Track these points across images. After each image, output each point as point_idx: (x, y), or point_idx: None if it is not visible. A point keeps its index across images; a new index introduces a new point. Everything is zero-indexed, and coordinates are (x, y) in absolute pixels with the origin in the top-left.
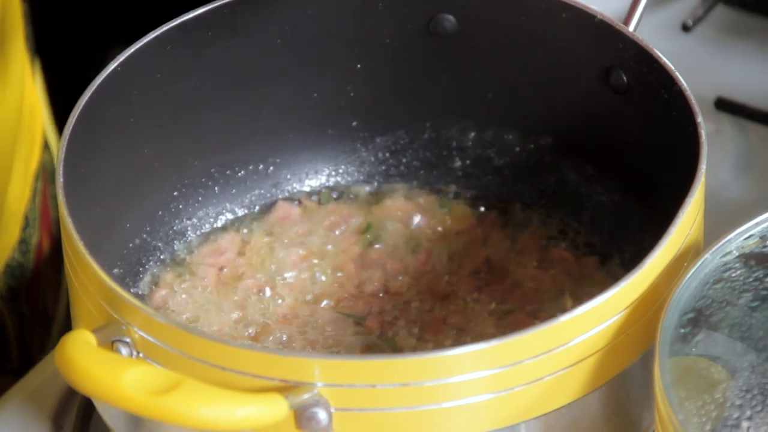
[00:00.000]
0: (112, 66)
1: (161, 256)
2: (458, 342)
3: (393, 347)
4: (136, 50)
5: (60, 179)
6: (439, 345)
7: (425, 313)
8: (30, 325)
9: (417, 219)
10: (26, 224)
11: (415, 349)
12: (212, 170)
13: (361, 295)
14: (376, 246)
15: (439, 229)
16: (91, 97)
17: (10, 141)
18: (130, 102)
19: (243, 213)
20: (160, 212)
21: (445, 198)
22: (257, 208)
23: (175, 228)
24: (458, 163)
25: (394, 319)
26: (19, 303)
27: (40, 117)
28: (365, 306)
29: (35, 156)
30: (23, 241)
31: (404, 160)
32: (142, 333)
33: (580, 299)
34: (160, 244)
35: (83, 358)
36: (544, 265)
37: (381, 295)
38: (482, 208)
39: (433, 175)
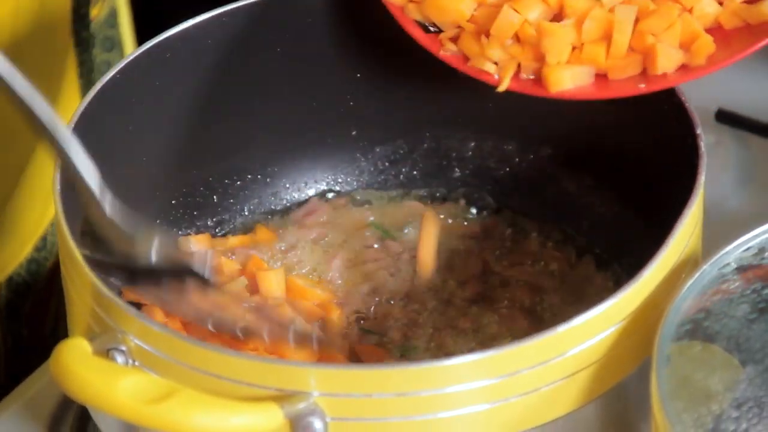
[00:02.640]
0: (111, 73)
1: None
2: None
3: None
4: (135, 57)
5: (57, 186)
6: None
7: (437, 318)
8: (26, 348)
9: (414, 227)
10: (42, 245)
11: (436, 355)
12: (210, 179)
13: (372, 303)
14: (374, 254)
15: (438, 238)
16: (89, 104)
17: (28, 143)
18: (129, 109)
19: (241, 222)
20: (157, 221)
21: (443, 207)
22: (256, 216)
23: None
24: (458, 173)
25: (412, 327)
26: (19, 321)
27: None
28: (381, 315)
29: None
30: (33, 261)
31: (404, 170)
32: (137, 341)
33: (577, 310)
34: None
35: (79, 366)
36: (542, 274)
37: (392, 302)
38: (481, 214)
39: (433, 185)
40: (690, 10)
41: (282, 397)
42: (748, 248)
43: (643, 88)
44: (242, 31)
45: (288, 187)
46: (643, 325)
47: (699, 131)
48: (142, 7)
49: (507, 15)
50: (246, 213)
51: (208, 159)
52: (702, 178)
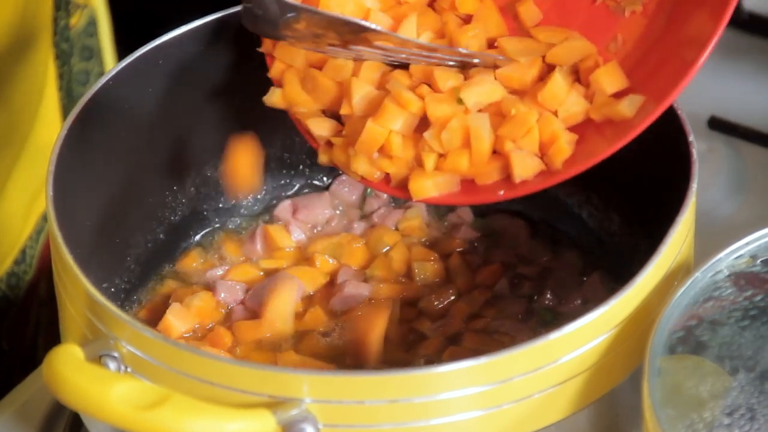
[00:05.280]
0: (104, 80)
1: (152, 271)
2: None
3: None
4: (128, 64)
5: (50, 193)
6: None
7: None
8: (10, 363)
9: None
10: (21, 259)
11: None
12: (203, 184)
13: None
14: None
15: (429, 244)
16: (82, 111)
17: (10, 153)
18: (121, 116)
19: (234, 226)
20: (150, 225)
21: (438, 216)
22: (248, 222)
23: (166, 242)
24: None
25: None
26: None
27: None
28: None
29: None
30: (13, 275)
31: None
32: (130, 347)
33: (568, 317)
34: (151, 259)
35: (71, 372)
36: (530, 282)
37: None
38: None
39: None
40: (555, 112)
41: (274, 404)
42: (740, 256)
43: (502, 195)
44: (235, 38)
45: (282, 194)
46: (635, 333)
47: (692, 138)
48: (125, 17)
49: (371, 131)
50: (237, 217)
51: (200, 163)
52: (695, 186)
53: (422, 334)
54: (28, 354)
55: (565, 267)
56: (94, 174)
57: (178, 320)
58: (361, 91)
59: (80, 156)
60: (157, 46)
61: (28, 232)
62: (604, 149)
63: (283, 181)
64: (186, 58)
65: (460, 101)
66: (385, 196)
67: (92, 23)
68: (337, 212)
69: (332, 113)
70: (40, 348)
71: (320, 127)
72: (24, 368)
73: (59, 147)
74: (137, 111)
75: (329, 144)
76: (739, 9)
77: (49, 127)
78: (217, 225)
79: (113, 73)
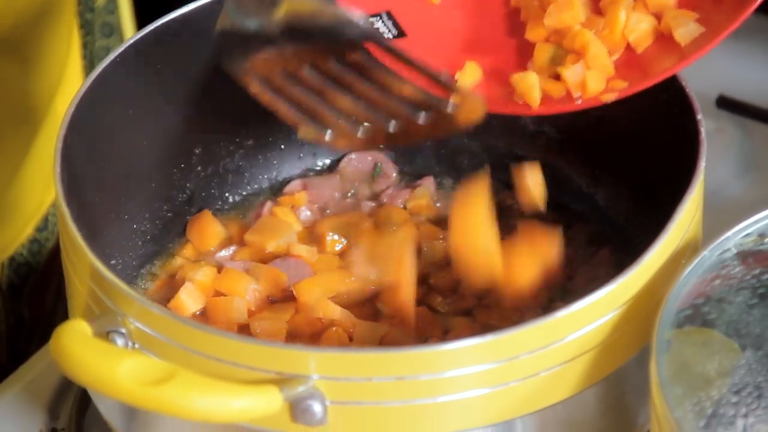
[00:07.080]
0: (112, 56)
1: (160, 247)
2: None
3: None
4: (136, 41)
5: (58, 168)
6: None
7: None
8: (28, 329)
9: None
10: (44, 226)
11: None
12: (210, 162)
13: None
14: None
15: (438, 222)
16: (90, 87)
17: (33, 119)
18: (129, 92)
19: (241, 206)
20: (158, 203)
21: (447, 194)
22: (255, 199)
23: (174, 219)
24: (461, 161)
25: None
26: (19, 302)
27: None
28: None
29: None
30: (35, 241)
31: (419, 157)
32: (137, 323)
33: (576, 294)
34: (159, 235)
35: (79, 348)
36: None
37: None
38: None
39: (438, 170)
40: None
41: (282, 381)
42: (748, 234)
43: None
44: None
45: (286, 173)
46: (642, 311)
47: (700, 117)
48: None
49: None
50: (243, 194)
51: (207, 141)
52: (702, 164)
53: (435, 309)
54: (47, 323)
55: (573, 244)
56: (102, 150)
57: (190, 299)
58: None
59: (89, 132)
60: (165, 23)
61: (50, 199)
62: (691, 53)
63: (291, 162)
64: (196, 35)
65: None
66: (394, 175)
67: (113, 0)
68: (346, 193)
69: None
70: (59, 317)
71: None
72: (43, 337)
73: (68, 122)
74: (146, 88)
75: None
76: None
77: (71, 96)
78: (225, 204)
79: (123, 48)
